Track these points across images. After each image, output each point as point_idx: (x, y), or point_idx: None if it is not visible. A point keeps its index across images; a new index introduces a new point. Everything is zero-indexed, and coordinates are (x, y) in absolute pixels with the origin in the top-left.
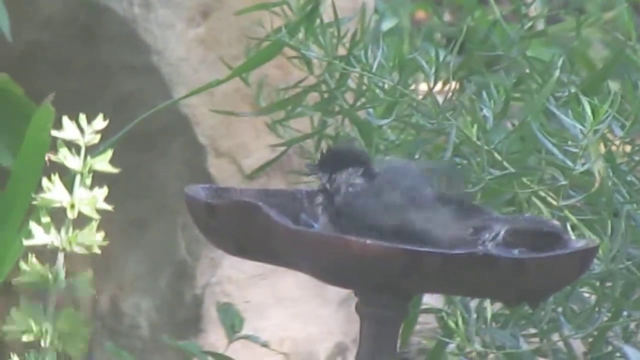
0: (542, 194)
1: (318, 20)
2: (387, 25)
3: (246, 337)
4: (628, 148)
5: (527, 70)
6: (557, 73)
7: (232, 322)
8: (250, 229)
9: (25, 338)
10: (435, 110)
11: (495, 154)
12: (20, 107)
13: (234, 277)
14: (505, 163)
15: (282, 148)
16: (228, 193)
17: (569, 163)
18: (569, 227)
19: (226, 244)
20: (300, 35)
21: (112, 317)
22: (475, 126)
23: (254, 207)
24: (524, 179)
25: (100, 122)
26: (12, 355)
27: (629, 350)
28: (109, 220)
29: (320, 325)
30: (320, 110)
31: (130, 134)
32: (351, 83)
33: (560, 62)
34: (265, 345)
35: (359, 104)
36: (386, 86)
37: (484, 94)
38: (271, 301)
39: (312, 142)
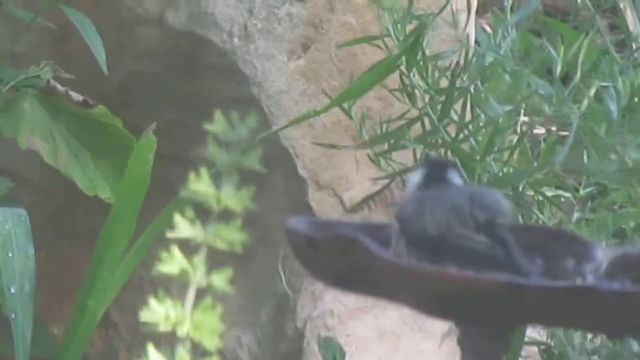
0: None
1: (420, 53)
2: (489, 57)
3: None
4: None
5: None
6: None
7: (333, 356)
8: (351, 262)
9: (162, 327)
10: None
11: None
12: (119, 139)
13: (336, 311)
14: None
15: (384, 181)
16: (329, 226)
17: None
18: None
19: (327, 277)
20: (402, 67)
21: (213, 352)
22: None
23: (355, 241)
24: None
25: (252, 120)
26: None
27: None
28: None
29: (423, 359)
30: (422, 144)
31: None
32: (453, 115)
33: None
34: None
35: (461, 136)
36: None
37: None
38: (373, 335)
39: None
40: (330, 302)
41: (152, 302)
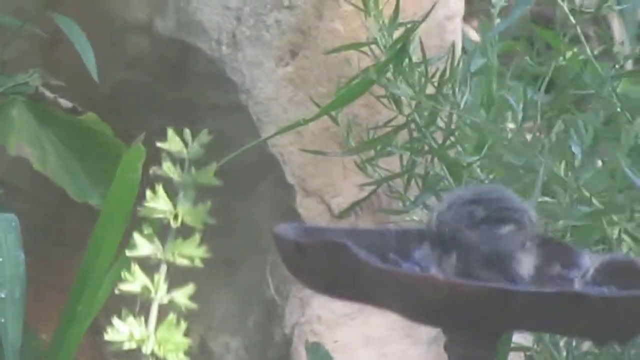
0: (632, 231)
1: (407, 60)
2: (475, 64)
3: None
4: None
5: (618, 109)
6: None
7: None
8: (339, 268)
9: (126, 346)
10: (524, 147)
11: (584, 191)
12: (109, 147)
13: (323, 317)
14: (594, 200)
15: (371, 187)
16: (317, 232)
17: None
18: None
19: (315, 283)
20: (389, 74)
21: (202, 357)
22: (564, 163)
23: (343, 247)
24: (613, 216)
25: (205, 136)
26: None
27: None
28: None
29: None
30: (409, 150)
31: (219, 172)
32: (440, 122)
33: None
34: None
35: (448, 142)
36: (474, 124)
37: (572, 131)
38: (360, 341)
39: (402, 181)
40: (318, 308)
41: (116, 321)
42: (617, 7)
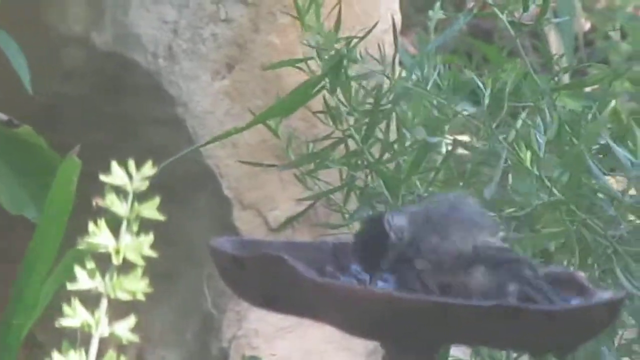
0: (590, 222)
1: (343, 74)
2: (413, 78)
3: None
4: None
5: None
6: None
7: None
8: (276, 282)
9: None
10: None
11: (546, 181)
12: (45, 159)
13: (261, 330)
14: (554, 190)
15: (309, 201)
16: (254, 245)
17: (618, 194)
18: (612, 256)
19: (252, 296)
20: (326, 89)
21: None
22: (528, 153)
23: (280, 260)
24: (572, 207)
25: (148, 169)
26: None
27: None
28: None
29: None
30: (346, 165)
31: (155, 185)
32: (379, 134)
33: (591, 113)
34: None
35: (386, 156)
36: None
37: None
38: (298, 354)
39: (341, 194)
40: (255, 322)
41: (57, 355)
42: (555, 20)
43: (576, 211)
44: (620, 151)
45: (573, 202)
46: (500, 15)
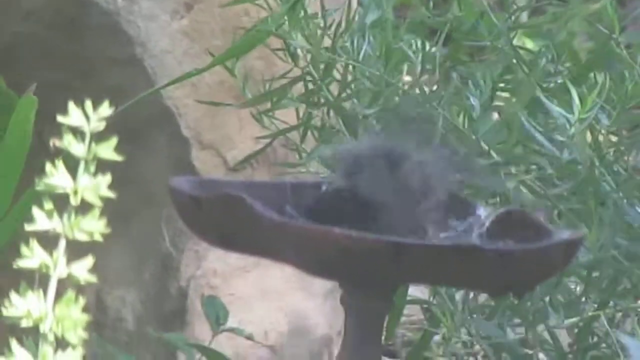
0: (529, 183)
1: (302, 12)
2: (371, 16)
3: (231, 330)
4: (614, 138)
5: (514, 61)
6: (544, 62)
7: (216, 314)
8: (235, 221)
9: (24, 323)
10: (422, 98)
11: (482, 144)
12: (2, 99)
13: (219, 270)
14: (492, 152)
15: (267, 140)
16: (213, 185)
17: (556, 152)
18: (555, 217)
19: (211, 236)
20: (285, 26)
21: (97, 311)
22: (462, 115)
23: (238, 200)
24: (511, 169)
25: (106, 109)
26: (10, 339)
27: (626, 338)
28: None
29: (306, 318)
30: (304, 102)
31: (113, 126)
32: (336, 74)
33: (546, 52)
34: (250, 337)
35: (344, 95)
36: (372, 76)
37: (470, 83)
38: (256, 294)
39: (298, 133)
40: (214, 262)
41: (14, 296)
42: None
43: (515, 173)
44: (555, 109)
45: (511, 164)
46: None
